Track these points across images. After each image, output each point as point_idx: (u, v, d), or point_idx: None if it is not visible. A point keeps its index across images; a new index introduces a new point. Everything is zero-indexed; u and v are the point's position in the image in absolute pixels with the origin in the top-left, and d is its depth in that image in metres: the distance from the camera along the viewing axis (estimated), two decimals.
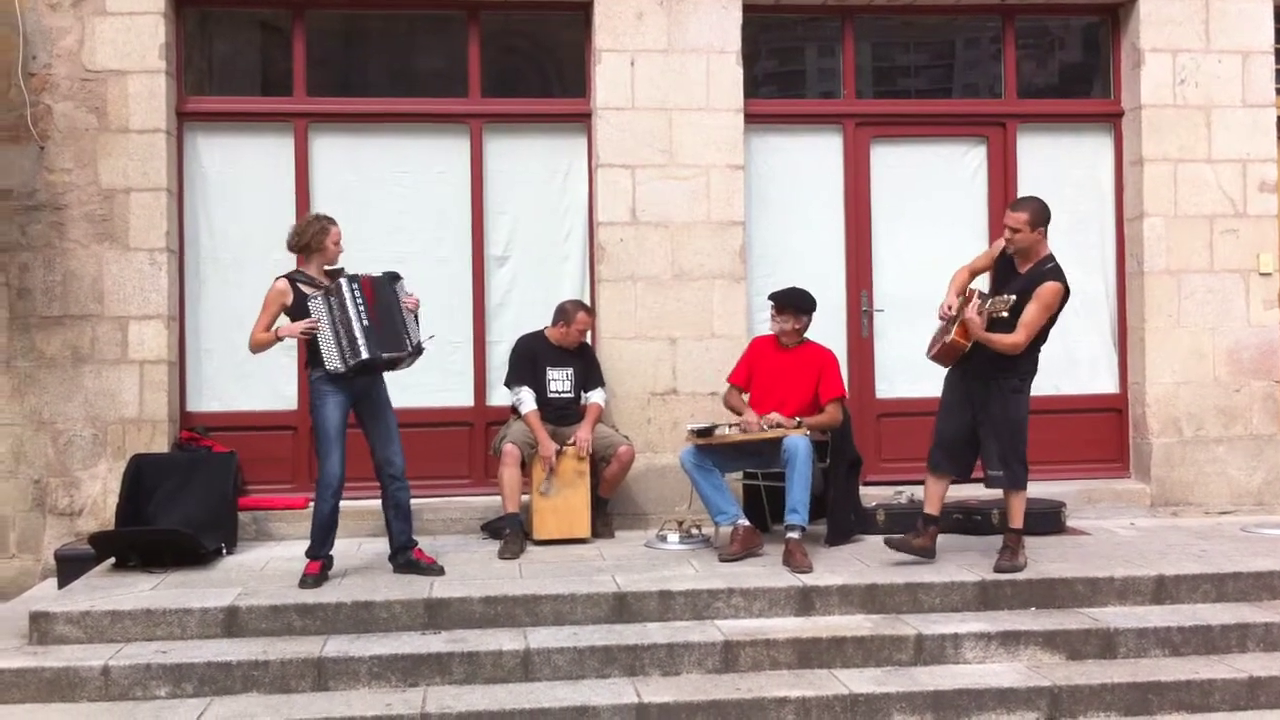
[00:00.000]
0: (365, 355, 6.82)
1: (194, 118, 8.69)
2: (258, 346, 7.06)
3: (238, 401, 8.70)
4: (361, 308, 6.84)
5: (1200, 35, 8.99)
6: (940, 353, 7.03)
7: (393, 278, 7.08)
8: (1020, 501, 7.05)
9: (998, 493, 7.23)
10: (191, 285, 8.68)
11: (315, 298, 6.87)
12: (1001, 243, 7.10)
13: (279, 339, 6.98)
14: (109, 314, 8.26)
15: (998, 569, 6.83)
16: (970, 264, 7.27)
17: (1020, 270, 6.95)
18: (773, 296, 7.94)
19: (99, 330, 8.25)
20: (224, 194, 8.74)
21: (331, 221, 7.12)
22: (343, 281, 6.88)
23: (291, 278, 7.02)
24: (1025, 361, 6.96)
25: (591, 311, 8.31)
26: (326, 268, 7.08)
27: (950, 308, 6.96)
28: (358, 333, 6.81)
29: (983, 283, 7.26)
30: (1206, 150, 8.98)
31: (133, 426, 8.24)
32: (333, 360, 6.83)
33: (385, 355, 6.90)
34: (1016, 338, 6.76)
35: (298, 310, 6.91)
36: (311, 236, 7.04)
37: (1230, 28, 9.00)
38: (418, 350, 7.10)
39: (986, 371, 6.92)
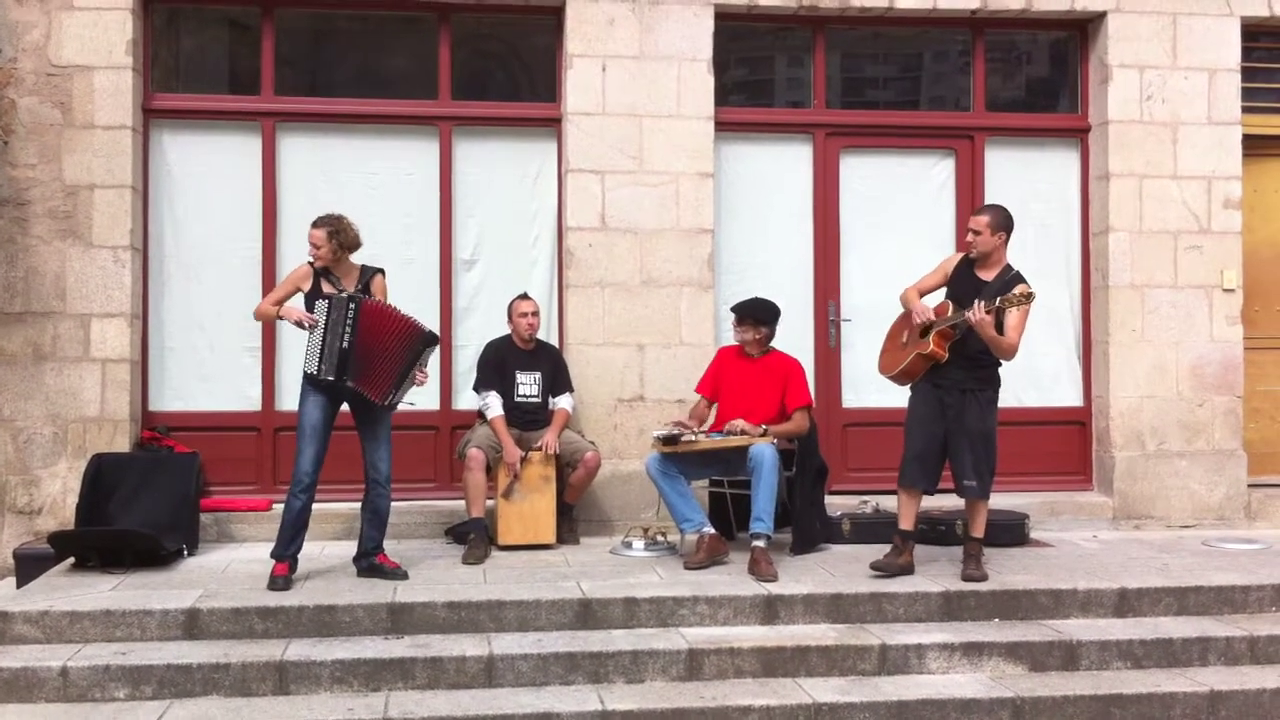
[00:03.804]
0: (331, 376, 6.83)
1: (160, 115, 8.62)
2: (260, 315, 7.28)
3: (200, 401, 8.64)
4: (349, 329, 6.83)
5: (1168, 52, 9.06)
6: (911, 366, 7.05)
7: (427, 339, 7.07)
8: (985, 511, 7.11)
9: (961, 503, 7.28)
10: (155, 284, 8.60)
11: (325, 298, 6.91)
12: (955, 258, 7.20)
13: (280, 317, 7.06)
14: (71, 311, 8.17)
15: (967, 578, 6.87)
16: (918, 284, 7.28)
17: (985, 278, 6.99)
18: (734, 308, 7.94)
19: (61, 328, 8.17)
20: (190, 192, 8.68)
21: (313, 223, 7.10)
22: (346, 297, 6.89)
23: (316, 266, 7.05)
24: (997, 372, 7.06)
25: (528, 298, 8.26)
26: (365, 265, 7.15)
27: (920, 318, 6.99)
28: (334, 351, 6.82)
29: (931, 301, 7.20)
30: (1172, 166, 9.05)
31: (94, 425, 8.15)
32: (311, 363, 6.88)
33: (348, 383, 6.88)
34: (1012, 340, 6.83)
35: (310, 301, 6.97)
36: (352, 237, 7.13)
37: (1197, 45, 9.07)
38: (390, 407, 7.08)
39: (963, 383, 6.98)
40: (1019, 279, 6.91)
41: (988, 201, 9.10)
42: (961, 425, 6.96)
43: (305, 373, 6.93)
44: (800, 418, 7.69)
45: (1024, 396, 9.26)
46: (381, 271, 7.23)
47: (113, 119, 8.24)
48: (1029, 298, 6.67)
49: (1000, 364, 7.06)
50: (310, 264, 7.08)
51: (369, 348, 6.89)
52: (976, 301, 6.71)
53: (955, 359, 6.96)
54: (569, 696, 5.80)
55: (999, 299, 6.72)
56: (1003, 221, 7.05)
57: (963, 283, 7.05)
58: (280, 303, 7.08)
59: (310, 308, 6.95)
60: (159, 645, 6.10)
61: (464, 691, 5.86)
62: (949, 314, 6.93)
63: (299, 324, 6.92)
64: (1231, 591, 6.95)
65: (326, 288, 6.99)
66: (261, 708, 5.66)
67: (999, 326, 6.80)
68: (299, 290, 7.06)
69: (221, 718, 5.53)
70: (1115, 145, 9.03)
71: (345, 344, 6.83)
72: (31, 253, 8.15)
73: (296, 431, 6.99)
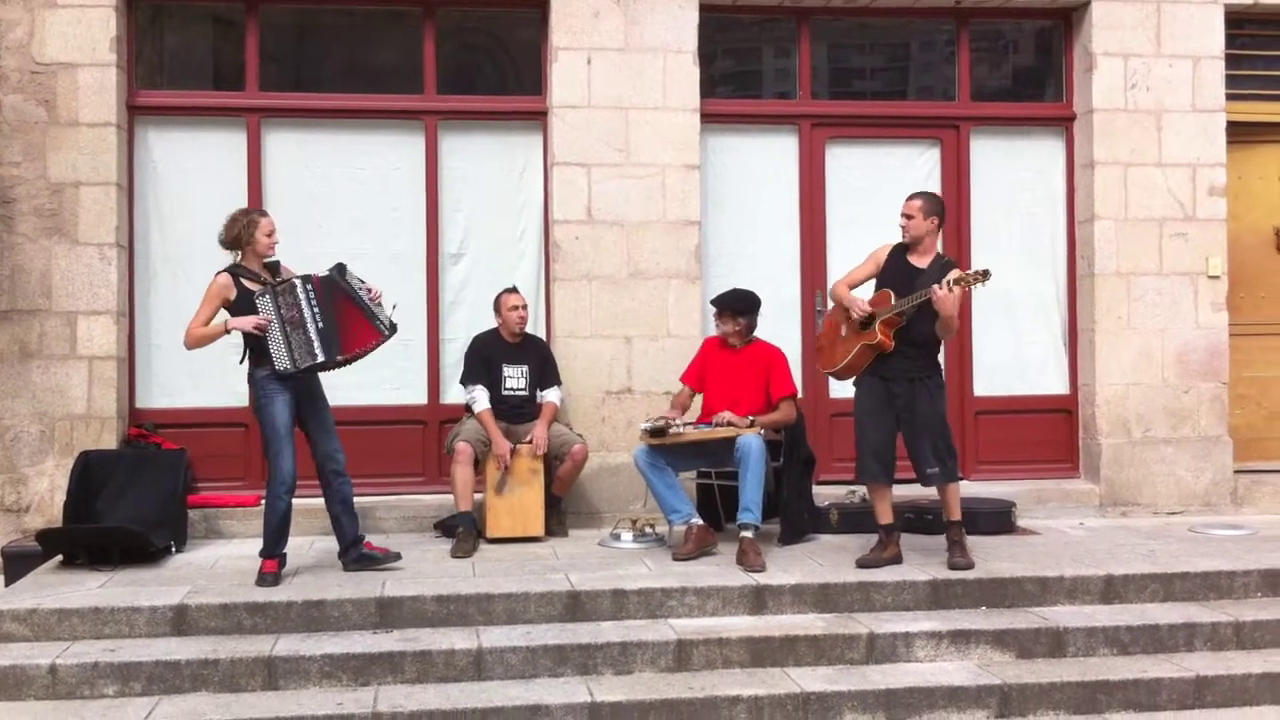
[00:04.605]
0: (320, 359, 6.76)
1: (145, 111, 8.61)
2: (198, 341, 6.89)
3: (188, 398, 8.63)
4: (316, 310, 6.77)
5: (1151, 40, 9.08)
6: (857, 358, 7.07)
7: (341, 270, 6.96)
8: (958, 493, 7.13)
9: None
10: (141, 281, 8.59)
11: (263, 295, 6.77)
12: (886, 247, 7.26)
13: (227, 331, 6.81)
14: (57, 309, 8.16)
15: (954, 566, 6.88)
16: (847, 277, 7.36)
17: (920, 265, 7.05)
18: (713, 301, 7.96)
19: (47, 325, 8.16)
20: (175, 189, 8.66)
21: (261, 214, 7.01)
22: (296, 281, 6.80)
23: (233, 272, 6.89)
24: (939, 358, 7.17)
25: (516, 291, 8.28)
26: (265, 261, 6.99)
27: (859, 312, 7.04)
28: (313, 335, 6.74)
29: (862, 294, 7.24)
30: (1157, 154, 9.06)
31: (81, 423, 8.14)
32: (282, 360, 6.73)
33: (340, 358, 6.84)
34: (957, 322, 6.95)
35: (242, 306, 6.78)
36: (240, 231, 6.88)
37: (1181, 33, 9.08)
38: (392, 329, 7.02)
39: (910, 371, 7.02)
40: (953, 264, 7.00)
41: (973, 192, 9.20)
42: (915, 414, 6.99)
43: (279, 371, 6.73)
44: (786, 407, 7.70)
45: (1010, 385, 9.31)
46: (279, 261, 7.09)
47: (97, 116, 8.22)
48: (987, 275, 6.74)
49: (940, 350, 7.16)
50: (228, 270, 6.89)
51: (331, 316, 6.81)
52: (944, 280, 6.75)
53: (900, 348, 7.00)
54: (558, 688, 5.81)
55: (961, 275, 6.79)
56: (935, 207, 7.15)
57: (897, 271, 7.10)
58: (209, 321, 6.83)
59: (247, 309, 6.77)
60: (148, 642, 6.10)
61: (453, 684, 5.87)
62: (891, 302, 6.96)
63: (256, 329, 6.72)
64: (1217, 577, 6.97)
65: (254, 286, 6.83)
66: (250, 703, 5.66)
67: (934, 312, 6.89)
68: (226, 301, 6.83)
69: (211, 713, 5.53)
70: (1100, 133, 9.05)
71: (321, 324, 6.77)
72: (17, 250, 8.14)
73: (268, 434, 6.84)
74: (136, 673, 5.79)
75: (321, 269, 6.99)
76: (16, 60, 8.17)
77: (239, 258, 6.96)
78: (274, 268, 7.00)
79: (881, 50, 9.82)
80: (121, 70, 8.37)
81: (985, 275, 6.75)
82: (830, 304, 7.60)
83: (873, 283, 7.25)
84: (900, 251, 7.16)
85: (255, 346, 6.83)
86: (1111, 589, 6.84)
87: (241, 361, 6.97)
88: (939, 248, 7.19)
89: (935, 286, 6.71)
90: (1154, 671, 6.10)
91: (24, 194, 8.15)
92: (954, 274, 6.80)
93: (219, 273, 6.92)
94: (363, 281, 7.01)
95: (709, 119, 8.90)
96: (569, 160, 8.65)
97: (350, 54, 9.14)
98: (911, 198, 7.20)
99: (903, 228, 7.12)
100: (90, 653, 5.92)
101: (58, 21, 8.19)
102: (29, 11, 8.17)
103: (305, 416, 7.00)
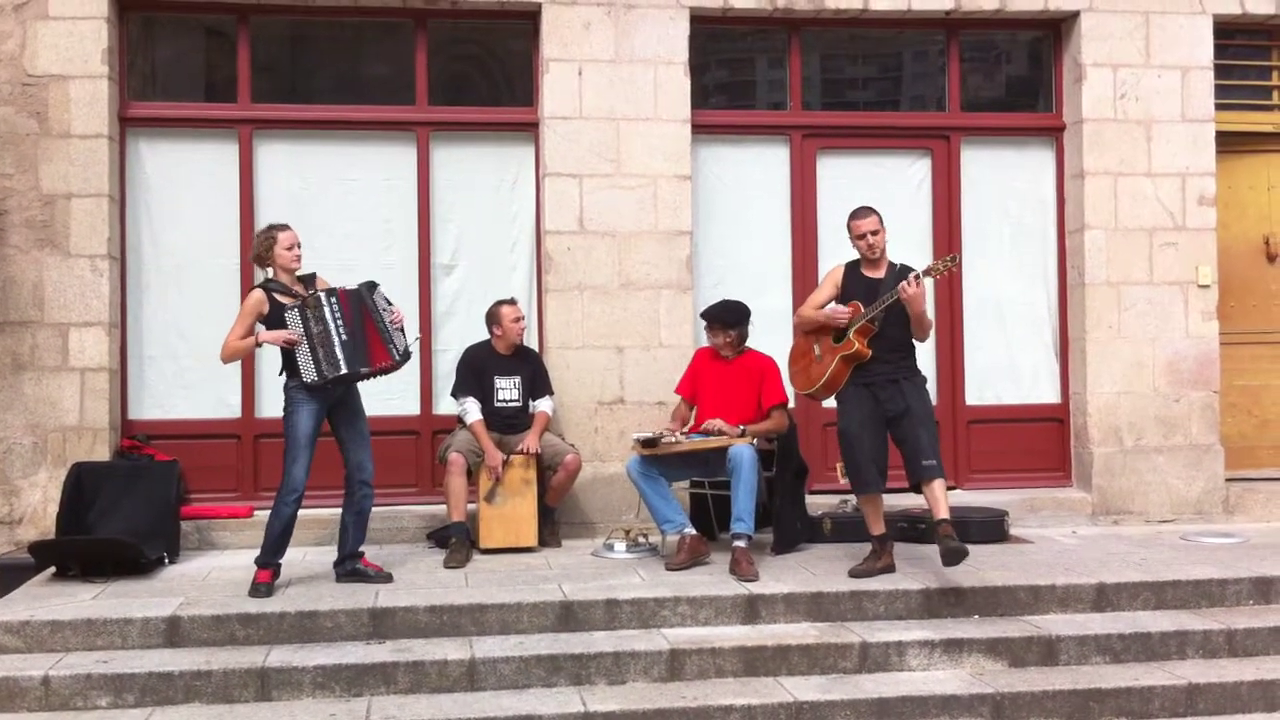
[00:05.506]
0: (344, 370, 6.82)
1: (137, 123, 8.62)
2: (233, 355, 7.04)
3: (180, 409, 8.63)
4: (340, 323, 6.83)
5: (1140, 50, 9.11)
6: (837, 371, 7.08)
7: (370, 287, 7.06)
8: (945, 490, 7.05)
9: None
10: (133, 292, 8.59)
11: (292, 309, 6.84)
12: (839, 268, 7.31)
13: (259, 345, 6.96)
14: (49, 321, 8.16)
15: (953, 551, 6.59)
16: (809, 303, 7.39)
17: (878, 276, 7.10)
18: (703, 314, 7.99)
19: (39, 337, 8.15)
20: (167, 200, 8.67)
21: (281, 228, 7.04)
22: (321, 295, 6.88)
23: (266, 287, 6.96)
24: (914, 359, 7.20)
25: (515, 302, 8.29)
26: (299, 274, 7.05)
27: (840, 319, 7.05)
28: (337, 348, 6.81)
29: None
30: (1146, 164, 9.10)
31: (73, 434, 8.13)
32: (309, 373, 6.80)
33: (363, 370, 6.90)
34: (930, 318, 7.14)
35: (274, 320, 6.87)
36: (261, 248, 7.02)
37: (1170, 43, 9.12)
38: (405, 356, 7.10)
39: (893, 374, 7.05)
40: (909, 269, 7.05)
41: (964, 202, 9.23)
42: (908, 410, 6.98)
43: (307, 382, 6.80)
44: (778, 416, 7.72)
45: (1003, 394, 9.34)
46: (315, 274, 7.19)
47: (89, 128, 8.23)
48: (955, 259, 6.91)
49: (916, 353, 7.21)
50: (261, 286, 6.97)
51: (356, 330, 6.88)
52: (910, 275, 6.83)
53: (877, 353, 7.03)
54: (551, 698, 5.81)
55: (930, 266, 6.90)
56: (883, 219, 7.20)
57: (856, 286, 7.15)
58: (243, 336, 6.91)
59: (279, 323, 6.86)
60: (141, 653, 6.10)
61: (446, 695, 5.87)
62: (862, 311, 7.00)
63: (286, 344, 6.82)
64: (1209, 585, 6.99)
65: (285, 300, 6.91)
66: (244, 714, 5.66)
67: (905, 315, 6.96)
68: (260, 316, 6.91)
69: None
70: (1090, 143, 9.07)
71: (345, 336, 6.83)
72: (9, 262, 8.14)
73: (288, 442, 6.89)
74: (129, 684, 5.79)
75: (352, 285, 7.07)
76: (8, 72, 8.18)
77: (270, 273, 7.03)
78: (309, 280, 7.08)
79: (873, 61, 9.85)
80: (113, 82, 8.38)
81: (952, 260, 6.87)
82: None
83: (832, 305, 7.28)
84: (854, 268, 7.23)
85: (287, 357, 6.91)
86: (1104, 597, 6.86)
87: (280, 373, 7.02)
88: (889, 257, 7.23)
89: (904, 284, 6.76)
90: (1146, 679, 6.11)
91: (15, 206, 8.15)
92: (930, 266, 6.97)
93: (253, 288, 7.05)
94: (389, 304, 7.10)
95: (700, 129, 8.93)
96: (560, 171, 8.66)
97: (342, 65, 9.16)
98: (868, 215, 7.16)
99: (870, 245, 7.10)
100: (83, 664, 5.91)
101: (49, 33, 8.20)
102: (20, 24, 8.18)
103: (339, 426, 7.08)
